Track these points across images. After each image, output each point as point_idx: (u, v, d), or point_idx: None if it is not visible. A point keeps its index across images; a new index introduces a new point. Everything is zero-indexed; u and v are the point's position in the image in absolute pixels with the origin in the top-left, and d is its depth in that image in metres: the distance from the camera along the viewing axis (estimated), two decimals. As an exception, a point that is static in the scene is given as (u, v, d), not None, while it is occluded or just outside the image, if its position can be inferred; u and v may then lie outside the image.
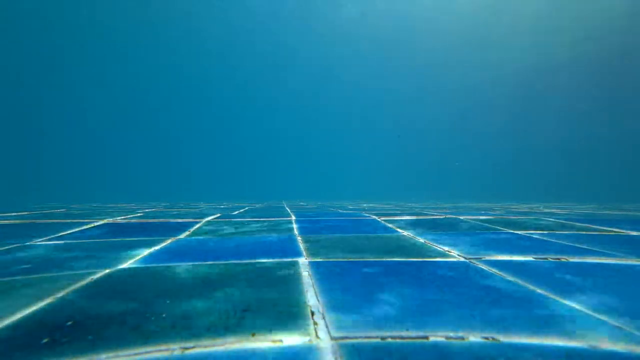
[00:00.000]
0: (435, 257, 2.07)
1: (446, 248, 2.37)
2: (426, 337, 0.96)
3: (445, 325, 1.04)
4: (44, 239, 2.82)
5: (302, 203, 11.61)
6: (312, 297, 1.30)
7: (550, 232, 3.18)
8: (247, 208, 7.18)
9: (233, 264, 1.87)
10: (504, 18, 25.26)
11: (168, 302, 1.25)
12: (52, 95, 27.30)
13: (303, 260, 1.95)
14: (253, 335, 0.97)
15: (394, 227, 3.52)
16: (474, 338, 0.96)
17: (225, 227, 3.56)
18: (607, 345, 0.93)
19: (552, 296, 1.34)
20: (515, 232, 3.20)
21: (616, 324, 1.07)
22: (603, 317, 1.12)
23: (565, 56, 25.90)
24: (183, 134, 32.39)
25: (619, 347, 0.92)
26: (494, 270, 1.75)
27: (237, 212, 5.75)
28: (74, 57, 26.30)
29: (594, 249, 2.35)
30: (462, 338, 0.96)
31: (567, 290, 1.42)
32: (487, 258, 2.04)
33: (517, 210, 6.71)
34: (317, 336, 0.97)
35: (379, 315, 1.12)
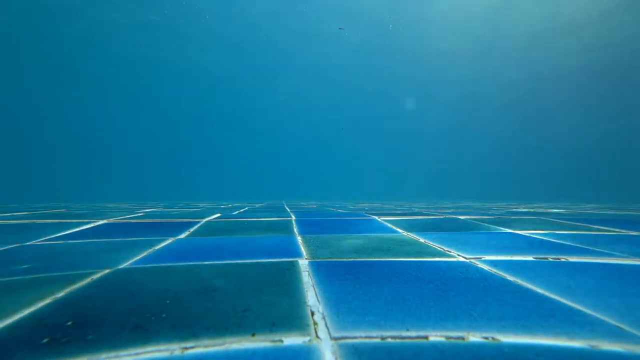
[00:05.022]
0: (435, 257, 2.07)
1: (446, 248, 2.37)
2: (426, 337, 0.96)
3: (443, 325, 1.04)
4: (44, 238, 2.82)
5: (302, 203, 11.61)
6: (312, 297, 1.30)
7: (550, 232, 3.18)
8: (247, 208, 7.18)
9: (233, 264, 1.87)
10: (510, 22, 25.23)
11: (168, 302, 1.25)
12: (53, 96, 27.30)
13: (303, 260, 1.95)
14: (253, 335, 0.97)
15: (394, 227, 3.52)
16: (474, 338, 0.96)
17: (225, 227, 3.56)
18: (607, 345, 0.93)
19: (552, 296, 1.34)
20: (516, 232, 3.20)
21: (616, 323, 1.07)
22: (603, 317, 1.12)
23: (570, 59, 25.89)
24: (183, 134, 32.38)
25: (619, 347, 0.92)
26: (494, 270, 1.75)
27: (237, 212, 5.75)
28: (75, 58, 26.30)
29: (594, 248, 2.35)
30: (462, 338, 0.96)
31: (566, 289, 1.42)
32: (487, 258, 2.04)
33: (516, 210, 6.71)
34: (317, 336, 0.97)
35: (378, 315, 1.12)
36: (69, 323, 1.06)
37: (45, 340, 0.94)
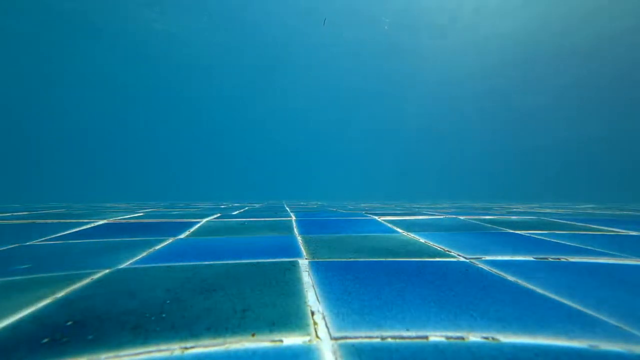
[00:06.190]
0: (436, 257, 2.07)
1: (446, 248, 2.37)
2: (426, 337, 0.96)
3: (443, 325, 1.04)
4: (44, 238, 2.82)
5: (302, 203, 11.62)
6: (312, 297, 1.30)
7: (550, 232, 3.18)
8: (247, 208, 7.18)
9: (233, 264, 1.87)
10: (509, 22, 25.18)
11: (168, 302, 1.25)
12: (54, 96, 27.30)
13: (303, 260, 1.95)
14: (253, 335, 0.97)
15: (393, 227, 3.52)
16: (474, 338, 0.96)
17: (225, 227, 3.56)
18: (607, 345, 0.93)
19: (552, 296, 1.34)
20: (516, 232, 3.20)
21: (616, 323, 1.07)
22: (603, 317, 1.12)
23: (569, 58, 25.87)
24: (183, 135, 32.37)
25: (619, 347, 0.92)
26: (494, 270, 1.75)
27: (237, 212, 5.75)
28: (76, 57, 26.29)
29: (594, 248, 2.35)
30: (462, 338, 0.96)
31: (566, 289, 1.42)
32: (487, 258, 2.04)
33: (516, 210, 6.71)
34: (317, 336, 0.97)
35: (378, 315, 1.12)
36: (69, 323, 1.06)
37: (45, 340, 0.94)
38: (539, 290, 1.41)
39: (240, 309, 1.17)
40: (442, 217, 4.65)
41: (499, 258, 2.04)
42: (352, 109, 32.92)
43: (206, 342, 0.93)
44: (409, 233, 3.12)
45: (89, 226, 3.54)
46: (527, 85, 28.41)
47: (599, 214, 5.60)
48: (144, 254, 2.19)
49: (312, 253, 2.17)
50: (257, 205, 8.75)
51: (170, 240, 2.75)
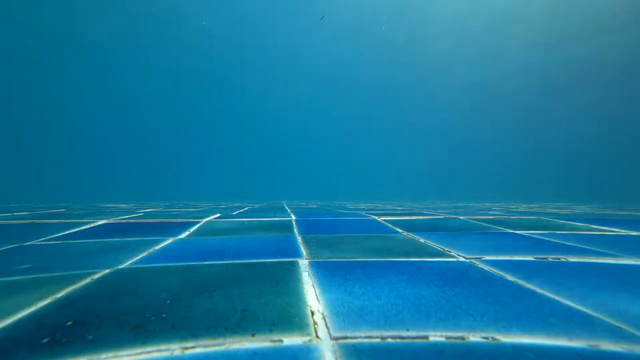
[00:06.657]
0: (436, 257, 2.07)
1: (446, 248, 2.37)
2: (426, 337, 0.96)
3: (443, 325, 1.04)
4: (44, 238, 2.82)
5: (302, 203, 11.62)
6: (312, 297, 1.30)
7: (550, 232, 3.18)
8: (247, 208, 7.18)
9: (233, 264, 1.87)
10: (511, 23, 25.16)
11: (168, 302, 1.25)
12: (54, 96, 27.30)
13: (303, 260, 1.95)
14: (253, 335, 0.97)
15: (393, 227, 3.52)
16: (474, 338, 0.96)
17: (225, 227, 3.56)
18: (607, 345, 0.93)
19: (552, 296, 1.34)
20: (516, 232, 3.20)
21: (616, 323, 1.07)
22: (603, 317, 1.12)
23: (569, 58, 25.86)
24: (183, 134, 32.38)
25: (619, 347, 0.92)
26: (494, 270, 1.75)
27: (237, 212, 5.75)
28: (76, 57, 26.29)
29: (594, 248, 2.35)
30: (462, 338, 0.96)
31: (566, 289, 1.42)
32: (487, 258, 2.04)
33: (516, 210, 6.71)
34: (317, 336, 0.97)
35: (379, 315, 1.12)
36: (69, 323, 1.06)
37: (45, 340, 0.94)
38: (539, 290, 1.41)
39: (240, 309, 1.17)
40: (442, 217, 4.65)
41: (499, 258, 2.04)
42: (352, 108, 32.93)
43: (206, 342, 0.93)
44: (409, 233, 3.12)
45: (89, 226, 3.54)
46: (527, 82, 28.40)
47: (599, 214, 5.60)
48: (144, 254, 2.19)
49: (312, 253, 2.17)
50: (257, 205, 8.75)
51: (170, 240, 2.75)
